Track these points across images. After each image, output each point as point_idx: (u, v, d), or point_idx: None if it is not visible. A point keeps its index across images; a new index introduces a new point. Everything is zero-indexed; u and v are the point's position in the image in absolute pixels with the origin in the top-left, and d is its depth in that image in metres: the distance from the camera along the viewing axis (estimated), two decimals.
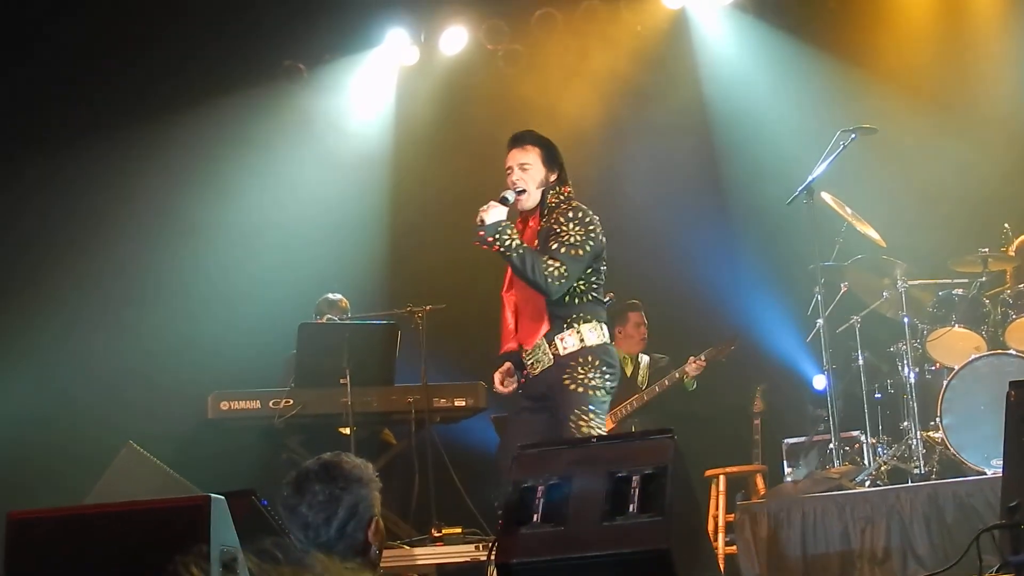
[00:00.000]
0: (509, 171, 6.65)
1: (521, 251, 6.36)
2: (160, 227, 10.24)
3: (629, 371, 9.92)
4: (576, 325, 6.47)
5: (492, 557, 4.91)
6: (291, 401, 8.54)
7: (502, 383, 6.76)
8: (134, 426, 8.41)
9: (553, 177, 6.64)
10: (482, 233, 6.37)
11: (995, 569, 5.92)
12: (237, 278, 10.21)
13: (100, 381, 9.63)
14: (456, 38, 11.05)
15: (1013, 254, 8.63)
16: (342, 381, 8.40)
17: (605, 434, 6.62)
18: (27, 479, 8.85)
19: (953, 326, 8.44)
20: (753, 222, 10.18)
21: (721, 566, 7.96)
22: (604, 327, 6.57)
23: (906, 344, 8.42)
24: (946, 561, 6.45)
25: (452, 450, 8.62)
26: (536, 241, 6.51)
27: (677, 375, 9.50)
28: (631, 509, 4.66)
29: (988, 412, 7.76)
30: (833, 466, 8.01)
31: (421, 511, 8.32)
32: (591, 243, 6.48)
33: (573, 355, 6.43)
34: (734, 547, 7.85)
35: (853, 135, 8.22)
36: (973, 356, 8.09)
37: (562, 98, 10.78)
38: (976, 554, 6.03)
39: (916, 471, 7.99)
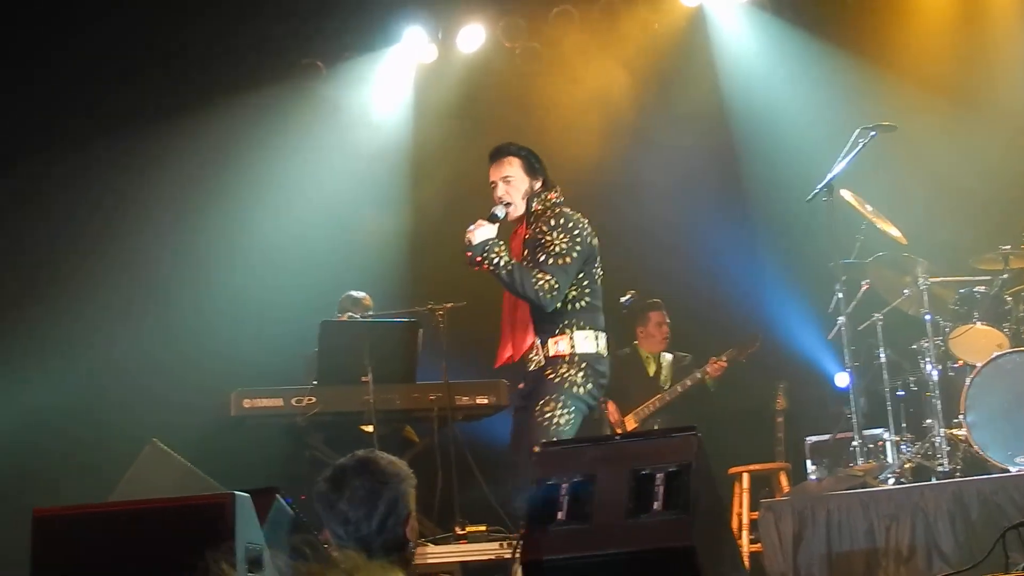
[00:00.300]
0: (493, 186, 6.67)
1: (510, 267, 6.35)
2: (183, 225, 10.27)
3: (652, 370, 9.92)
4: (569, 332, 6.45)
5: (517, 555, 4.92)
6: (313, 399, 8.55)
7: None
8: (157, 423, 8.42)
9: (538, 184, 6.64)
10: (470, 254, 6.40)
11: (1021, 567, 5.91)
12: (260, 276, 10.23)
13: (124, 379, 9.67)
14: (473, 36, 11.05)
15: None
16: (364, 379, 8.41)
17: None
18: (51, 476, 8.90)
19: (975, 323, 8.40)
20: (773, 220, 10.16)
21: (745, 564, 7.94)
22: (600, 336, 6.54)
23: (928, 341, 8.39)
24: (971, 559, 6.45)
25: (475, 448, 8.60)
26: (525, 250, 6.49)
27: (699, 376, 9.50)
28: (655, 507, 4.67)
29: (1012, 409, 7.75)
30: (856, 464, 7.99)
31: (444, 509, 8.33)
32: (578, 248, 6.45)
33: (562, 355, 6.43)
34: (758, 545, 7.83)
35: (873, 132, 8.18)
36: (996, 353, 8.05)
37: (580, 96, 10.78)
38: (1002, 551, 6.05)
39: (940, 469, 7.95)
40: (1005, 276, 8.48)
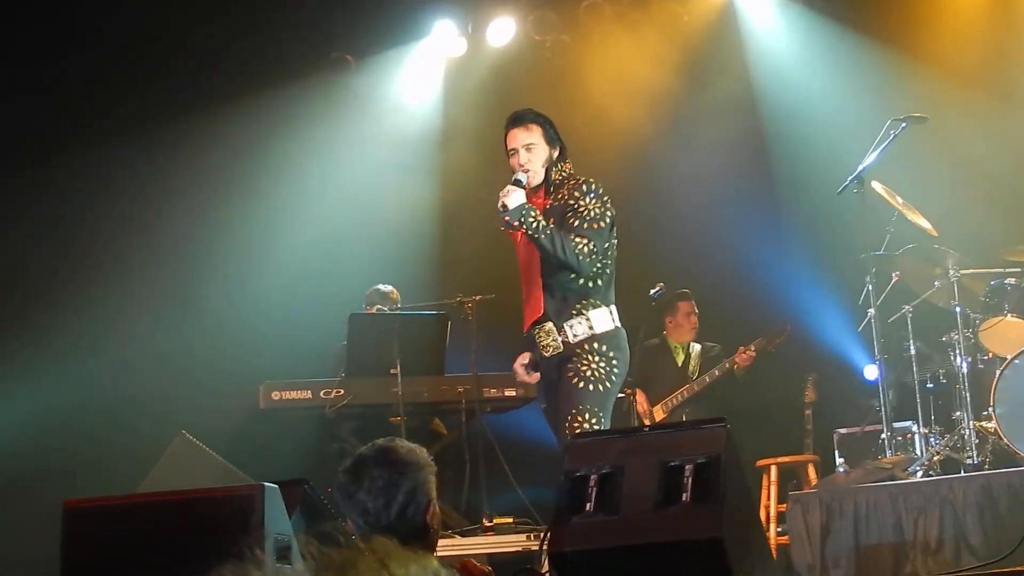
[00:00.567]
0: (513, 152, 6.59)
1: (549, 231, 6.31)
2: (211, 219, 10.30)
3: (680, 360, 9.91)
4: (585, 312, 6.41)
5: (545, 546, 4.93)
6: (342, 391, 8.58)
7: (527, 374, 6.72)
8: (186, 416, 8.46)
9: (555, 154, 6.61)
10: (507, 218, 6.32)
11: None
12: (287, 269, 10.26)
13: (152, 371, 9.72)
14: (503, 29, 11.03)
15: None
16: (392, 371, 8.44)
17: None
18: (80, 469, 8.92)
19: (1006, 315, 8.37)
20: (803, 211, 10.13)
21: (773, 556, 7.93)
22: (614, 310, 6.49)
23: (958, 333, 8.35)
24: (1000, 551, 6.43)
25: (503, 440, 8.62)
26: (551, 220, 6.48)
27: (727, 365, 9.49)
28: (684, 498, 4.68)
29: None
30: (885, 456, 7.97)
31: (472, 501, 8.34)
32: (609, 215, 6.47)
33: (581, 343, 6.38)
34: (786, 537, 7.82)
35: (904, 124, 8.15)
36: None
37: (610, 89, 10.77)
38: None
39: (969, 461, 7.93)
40: None
